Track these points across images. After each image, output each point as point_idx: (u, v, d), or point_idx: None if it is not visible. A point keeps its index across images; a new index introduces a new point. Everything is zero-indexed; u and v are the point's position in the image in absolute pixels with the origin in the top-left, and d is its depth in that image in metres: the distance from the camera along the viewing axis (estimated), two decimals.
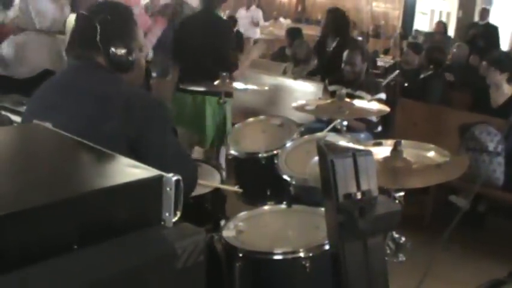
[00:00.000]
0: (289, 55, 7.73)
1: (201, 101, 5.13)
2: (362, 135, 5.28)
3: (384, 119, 5.43)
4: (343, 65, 5.49)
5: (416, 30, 13.47)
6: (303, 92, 6.57)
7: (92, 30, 2.46)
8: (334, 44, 6.91)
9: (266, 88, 4.48)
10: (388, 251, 2.75)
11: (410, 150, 2.67)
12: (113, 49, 2.51)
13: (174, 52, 5.56)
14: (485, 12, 11.67)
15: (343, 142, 3.32)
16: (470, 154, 5.21)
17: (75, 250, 1.36)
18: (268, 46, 12.06)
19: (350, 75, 5.50)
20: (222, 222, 3.12)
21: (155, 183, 1.51)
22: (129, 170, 1.57)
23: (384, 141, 2.82)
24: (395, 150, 2.46)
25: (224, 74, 3.95)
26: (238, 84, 4.43)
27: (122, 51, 2.53)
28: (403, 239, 2.78)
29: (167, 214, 1.53)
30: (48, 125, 1.94)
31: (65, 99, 2.45)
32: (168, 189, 1.51)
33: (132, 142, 2.35)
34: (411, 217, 4.44)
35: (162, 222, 1.55)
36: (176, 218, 1.56)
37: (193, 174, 2.65)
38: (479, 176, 4.90)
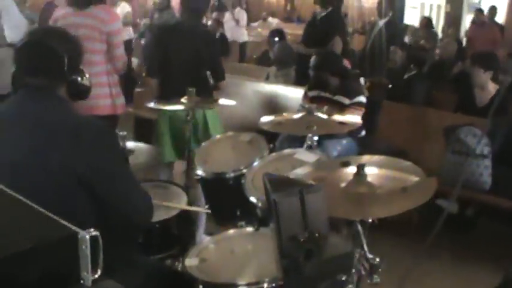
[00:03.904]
0: (272, 59, 7.56)
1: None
2: (344, 141, 5.15)
3: (368, 122, 5.30)
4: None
5: (405, 24, 13.12)
6: (286, 97, 6.45)
7: (58, 60, 2.41)
8: (322, 14, 6.86)
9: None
10: (363, 272, 2.61)
11: (378, 170, 2.52)
12: (76, 78, 2.49)
13: (153, 64, 5.15)
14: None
15: (312, 158, 3.19)
16: (456, 157, 5.09)
17: None
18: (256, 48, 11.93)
19: (313, 79, 5.45)
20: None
21: (69, 242, 1.38)
22: (42, 228, 1.43)
23: (352, 160, 2.66)
24: (359, 174, 2.32)
25: (190, 89, 3.79)
26: (222, 101, 4.33)
27: (84, 79, 2.53)
28: (378, 259, 2.64)
29: (85, 273, 1.40)
30: None
31: (11, 130, 2.35)
32: (83, 247, 1.38)
33: (81, 174, 2.27)
34: (398, 221, 4.32)
35: (82, 281, 1.41)
36: (96, 276, 1.42)
37: (147, 204, 2.55)
38: (463, 178, 4.77)
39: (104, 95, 4.56)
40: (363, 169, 2.33)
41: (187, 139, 4.04)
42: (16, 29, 5.32)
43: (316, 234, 1.65)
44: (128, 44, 8.65)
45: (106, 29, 4.52)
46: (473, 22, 10.56)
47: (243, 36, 12.37)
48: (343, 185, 2.34)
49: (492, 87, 5.66)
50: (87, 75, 2.57)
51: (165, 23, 7.12)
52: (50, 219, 1.45)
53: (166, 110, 4.51)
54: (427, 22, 11.36)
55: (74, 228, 1.40)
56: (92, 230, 1.40)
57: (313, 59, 5.45)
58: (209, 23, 11.58)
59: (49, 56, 2.43)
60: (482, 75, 5.59)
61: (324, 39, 6.67)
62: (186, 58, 4.75)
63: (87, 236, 1.38)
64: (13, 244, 1.37)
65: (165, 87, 4.88)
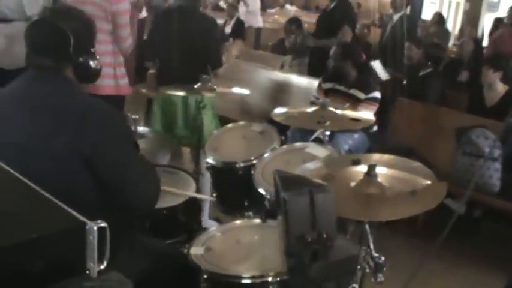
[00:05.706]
0: (288, 47, 7.53)
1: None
2: (356, 136, 5.12)
3: (380, 118, 5.27)
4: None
5: (422, 20, 12.86)
6: (299, 87, 6.42)
7: (64, 40, 2.34)
8: (332, 5, 7.14)
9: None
10: (367, 270, 2.61)
11: (388, 170, 2.50)
12: (84, 60, 2.43)
13: (150, 49, 5.28)
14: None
15: (323, 153, 3.18)
16: (466, 158, 5.07)
17: None
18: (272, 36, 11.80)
19: (331, 70, 5.40)
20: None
21: (77, 232, 1.37)
22: (49, 217, 1.42)
23: (363, 158, 2.64)
24: (369, 174, 2.30)
25: (205, 76, 3.76)
26: (236, 89, 4.36)
27: (92, 62, 2.47)
28: (383, 258, 2.63)
29: (91, 264, 1.40)
30: None
31: (18, 112, 2.32)
32: (90, 238, 1.37)
33: (87, 159, 2.24)
34: (404, 220, 4.30)
35: (87, 272, 1.41)
36: (102, 267, 1.42)
37: (152, 191, 2.52)
38: (474, 181, 4.74)
39: (107, 75, 4.47)
40: (373, 169, 2.31)
41: (199, 123, 4.04)
42: (34, 2, 5.27)
43: (324, 235, 1.64)
44: (140, 24, 8.62)
45: (111, 8, 4.40)
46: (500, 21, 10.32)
47: (259, 22, 12.19)
48: (352, 184, 2.32)
49: (501, 88, 5.66)
50: (97, 58, 2.52)
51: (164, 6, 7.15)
52: (58, 208, 1.44)
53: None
54: (439, 18, 10.98)
55: (81, 218, 1.39)
56: (99, 221, 1.39)
57: (334, 49, 5.40)
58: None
59: (54, 35, 2.37)
60: (491, 75, 5.60)
61: (332, 28, 6.87)
62: (182, 43, 4.76)
63: (95, 227, 1.37)
64: (20, 232, 1.37)
65: (163, 71, 4.99)
